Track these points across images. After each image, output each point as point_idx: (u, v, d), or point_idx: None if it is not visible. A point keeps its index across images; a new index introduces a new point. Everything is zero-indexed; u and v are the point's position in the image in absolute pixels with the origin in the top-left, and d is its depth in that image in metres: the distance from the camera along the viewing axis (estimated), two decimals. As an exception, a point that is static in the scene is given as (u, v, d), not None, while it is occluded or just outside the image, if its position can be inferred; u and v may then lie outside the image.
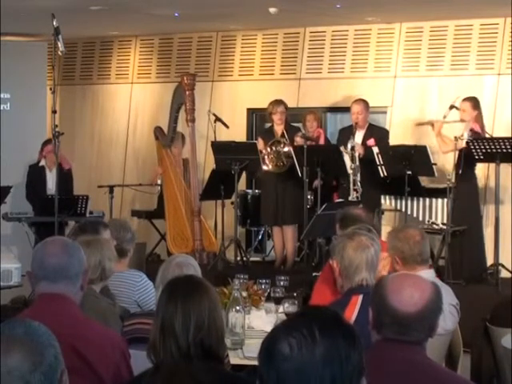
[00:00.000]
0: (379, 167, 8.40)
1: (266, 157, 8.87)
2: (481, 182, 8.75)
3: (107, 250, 4.24)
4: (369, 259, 3.92)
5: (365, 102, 8.82)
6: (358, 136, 8.72)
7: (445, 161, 8.64)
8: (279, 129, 9.00)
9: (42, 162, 9.69)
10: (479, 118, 8.34)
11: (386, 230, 8.79)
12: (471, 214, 8.37)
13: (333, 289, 4.34)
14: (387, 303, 2.66)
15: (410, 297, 2.66)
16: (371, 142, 8.65)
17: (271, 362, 1.82)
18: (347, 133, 8.76)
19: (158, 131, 9.64)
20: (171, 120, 9.38)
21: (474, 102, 8.34)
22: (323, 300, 4.24)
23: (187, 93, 9.13)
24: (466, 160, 8.00)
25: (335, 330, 1.84)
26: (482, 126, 8.35)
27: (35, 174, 9.70)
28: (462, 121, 8.31)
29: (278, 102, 9.01)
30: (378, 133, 8.83)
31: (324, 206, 7.78)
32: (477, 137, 8.12)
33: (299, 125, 9.49)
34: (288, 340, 1.81)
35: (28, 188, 9.70)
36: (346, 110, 9.28)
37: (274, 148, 8.93)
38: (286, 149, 8.84)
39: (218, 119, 9.58)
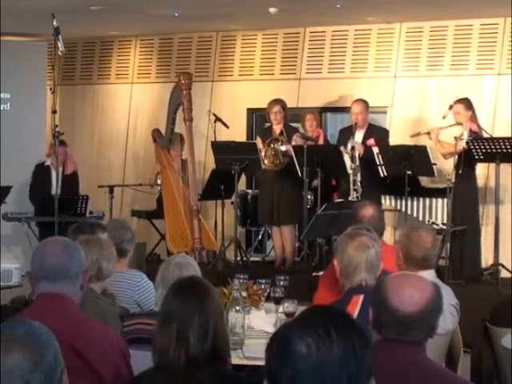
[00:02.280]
0: (379, 167, 8.40)
1: (263, 154, 8.89)
2: (481, 182, 8.75)
3: (106, 249, 4.23)
4: (368, 259, 3.91)
5: (365, 102, 8.82)
6: (358, 136, 8.72)
7: (445, 161, 8.64)
8: (277, 128, 9.02)
9: (48, 162, 9.65)
10: (474, 118, 8.34)
11: (386, 230, 8.80)
12: (471, 214, 8.37)
13: (333, 291, 4.35)
14: (387, 303, 2.65)
15: (410, 297, 2.65)
16: (371, 141, 8.65)
17: (286, 361, 1.80)
18: (347, 133, 8.76)
19: (155, 133, 9.65)
20: (169, 121, 9.40)
21: (467, 103, 8.33)
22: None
23: (184, 92, 9.14)
24: (466, 160, 8.00)
25: (350, 329, 1.84)
26: (478, 125, 8.35)
27: (41, 174, 9.66)
28: (457, 124, 8.30)
29: (274, 102, 9.02)
30: (377, 132, 8.82)
31: (324, 206, 7.78)
32: (476, 137, 8.13)
33: (299, 125, 9.49)
34: (304, 339, 1.79)
35: (32, 188, 9.65)
36: (346, 110, 9.28)
37: (271, 145, 8.94)
38: (283, 147, 8.85)
39: (217, 119, 9.59)
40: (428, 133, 8.54)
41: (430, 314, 2.68)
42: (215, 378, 2.73)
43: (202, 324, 2.76)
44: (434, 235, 4.54)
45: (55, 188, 9.34)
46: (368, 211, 5.13)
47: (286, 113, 9.03)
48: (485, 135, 8.32)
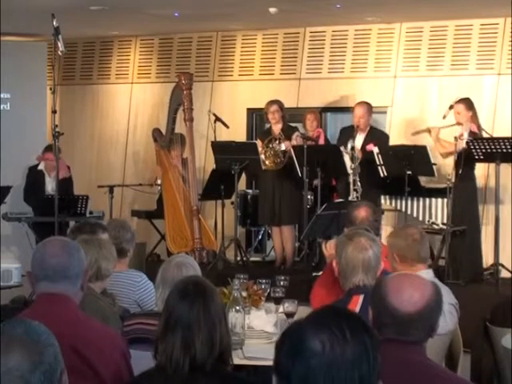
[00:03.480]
0: (379, 167, 8.39)
1: (263, 155, 8.90)
2: (481, 182, 8.75)
3: (105, 249, 4.22)
4: (366, 261, 3.91)
5: (368, 105, 8.80)
6: (359, 139, 8.69)
7: (445, 161, 8.64)
8: (276, 128, 9.03)
9: (41, 166, 9.64)
10: (475, 118, 8.32)
11: (386, 230, 8.81)
12: (470, 214, 8.36)
13: (331, 292, 4.35)
14: (387, 304, 2.65)
15: (410, 297, 2.65)
16: (370, 147, 8.61)
17: (299, 358, 1.80)
18: (348, 132, 8.75)
19: (156, 133, 9.64)
20: (169, 121, 9.39)
21: (468, 103, 8.32)
22: (320, 303, 4.25)
23: (185, 92, 9.13)
24: (466, 160, 8.00)
25: (363, 330, 1.85)
26: (479, 126, 8.33)
27: (35, 178, 9.66)
28: (458, 124, 8.30)
29: (272, 102, 9.04)
30: (378, 137, 8.76)
31: (324, 206, 7.78)
32: (476, 137, 8.12)
33: (299, 125, 9.50)
34: (319, 337, 1.80)
35: (26, 191, 9.65)
36: (346, 110, 9.29)
37: (270, 145, 8.95)
38: (282, 146, 8.87)
39: (217, 119, 9.59)
40: (428, 130, 8.54)
41: (430, 313, 2.68)
42: (216, 379, 2.73)
43: (208, 331, 2.75)
44: (421, 231, 4.59)
45: (49, 192, 9.35)
46: (360, 213, 5.14)
47: (284, 112, 9.04)
48: (485, 136, 8.31)
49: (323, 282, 4.70)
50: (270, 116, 8.99)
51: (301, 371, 1.79)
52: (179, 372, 2.71)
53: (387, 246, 4.54)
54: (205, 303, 2.79)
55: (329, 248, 4.97)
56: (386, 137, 9.01)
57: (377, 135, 8.82)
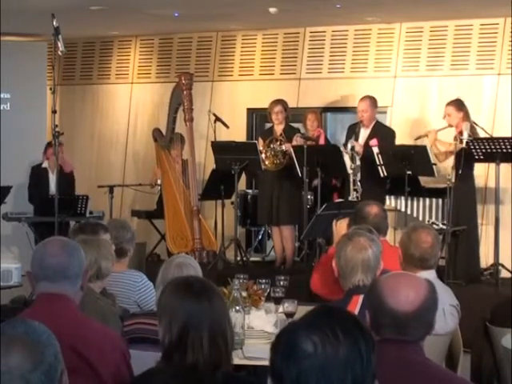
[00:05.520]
0: (379, 167, 8.39)
1: (263, 155, 8.90)
2: (481, 182, 8.74)
3: (104, 249, 4.23)
4: (365, 260, 3.90)
5: (371, 99, 8.74)
6: (363, 134, 8.68)
7: (445, 161, 8.63)
8: (278, 129, 9.03)
9: (45, 164, 9.69)
10: (466, 118, 8.28)
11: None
12: (469, 214, 8.36)
13: (330, 279, 4.38)
14: (384, 304, 2.65)
15: (406, 296, 2.65)
16: (374, 142, 8.61)
17: (291, 359, 1.81)
18: (354, 129, 8.71)
19: (156, 133, 9.65)
20: (169, 121, 9.40)
21: (457, 104, 8.28)
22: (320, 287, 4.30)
23: (185, 92, 9.13)
24: (466, 160, 7.99)
25: (357, 332, 1.85)
26: (471, 124, 8.28)
27: (38, 176, 9.69)
28: (450, 126, 8.28)
29: (276, 102, 9.03)
30: (383, 133, 8.71)
31: (324, 206, 7.78)
32: (474, 137, 8.11)
33: (299, 125, 9.50)
34: (311, 338, 1.80)
35: (30, 190, 9.69)
36: (346, 110, 9.29)
37: (271, 146, 8.95)
38: (283, 147, 8.87)
39: (217, 119, 9.59)
40: (426, 135, 8.52)
41: (426, 311, 2.68)
42: (215, 378, 2.73)
43: (211, 330, 2.74)
44: (436, 236, 4.53)
45: (53, 189, 9.38)
46: (373, 209, 5.16)
47: (288, 113, 9.03)
48: (481, 133, 8.28)
49: (322, 267, 4.73)
50: (274, 116, 8.98)
51: (293, 372, 1.80)
52: (179, 372, 2.71)
53: (399, 242, 4.55)
54: (208, 303, 2.79)
55: (338, 228, 5.04)
56: (391, 132, 8.88)
57: (382, 131, 8.74)
